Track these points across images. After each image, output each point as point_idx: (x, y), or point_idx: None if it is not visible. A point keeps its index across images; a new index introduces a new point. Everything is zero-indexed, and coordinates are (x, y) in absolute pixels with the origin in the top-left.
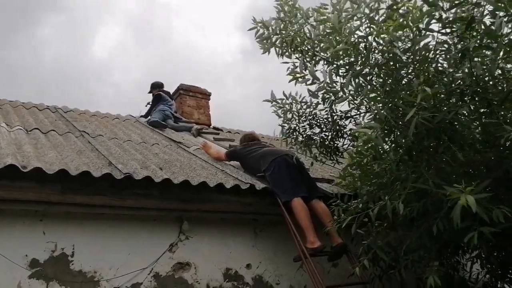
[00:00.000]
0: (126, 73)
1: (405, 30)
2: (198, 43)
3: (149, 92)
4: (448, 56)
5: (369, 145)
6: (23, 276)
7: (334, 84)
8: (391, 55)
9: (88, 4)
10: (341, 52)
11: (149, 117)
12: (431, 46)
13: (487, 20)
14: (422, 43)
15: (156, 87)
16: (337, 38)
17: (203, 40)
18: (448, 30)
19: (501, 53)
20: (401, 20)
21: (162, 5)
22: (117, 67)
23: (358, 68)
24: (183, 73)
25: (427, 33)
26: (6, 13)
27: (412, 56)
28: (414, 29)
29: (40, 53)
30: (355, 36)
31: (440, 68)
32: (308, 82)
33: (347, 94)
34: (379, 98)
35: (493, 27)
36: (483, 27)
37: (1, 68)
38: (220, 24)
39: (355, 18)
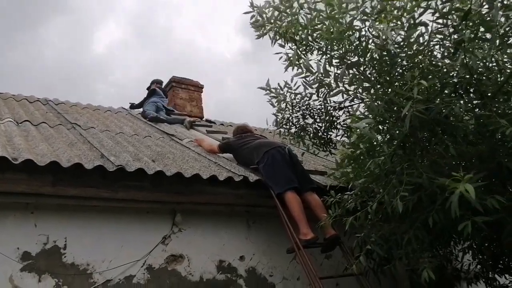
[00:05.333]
0: (128, 72)
1: (398, 22)
2: (199, 42)
3: (148, 87)
4: (442, 48)
5: (364, 140)
6: (14, 269)
7: (328, 74)
8: (385, 49)
9: (90, 4)
10: (335, 42)
11: (144, 110)
12: (425, 38)
13: (484, 9)
14: (415, 35)
15: (154, 82)
16: (333, 24)
17: (204, 40)
18: (442, 21)
19: (496, 44)
20: (395, 12)
21: (163, 5)
22: (118, 66)
23: (352, 60)
24: (183, 72)
25: (421, 26)
26: (12, 15)
27: (405, 49)
28: (407, 21)
29: (44, 54)
30: (352, 26)
31: (433, 60)
32: (302, 75)
33: (341, 86)
34: (372, 90)
35: (489, 17)
36: (479, 18)
37: (8, 69)
38: (221, 25)
39: (349, 6)
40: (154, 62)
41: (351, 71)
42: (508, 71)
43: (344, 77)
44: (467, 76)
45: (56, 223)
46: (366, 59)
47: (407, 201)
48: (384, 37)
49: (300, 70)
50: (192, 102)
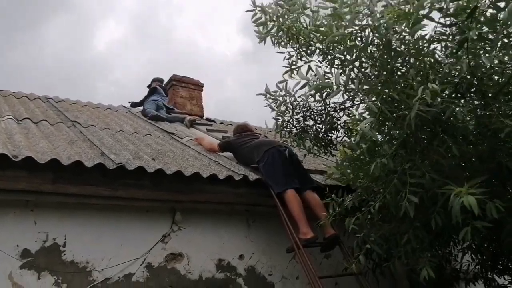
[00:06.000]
0: (128, 71)
1: (402, 19)
2: (200, 42)
3: (148, 85)
4: (443, 48)
5: (367, 138)
6: (14, 267)
7: (328, 76)
8: (387, 44)
9: (91, 3)
10: (336, 40)
11: (144, 109)
12: (428, 36)
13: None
14: (419, 33)
15: (155, 80)
16: (337, 24)
17: (205, 40)
18: (447, 20)
19: (498, 44)
20: (400, 8)
21: (163, 4)
22: (118, 65)
23: (353, 57)
24: (184, 71)
25: (426, 23)
26: (12, 15)
27: (408, 47)
28: (412, 18)
29: (45, 53)
30: (354, 26)
31: (436, 60)
32: (300, 85)
33: (340, 87)
34: (373, 90)
35: (493, 17)
36: (483, 19)
37: (8, 68)
38: (222, 25)
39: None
40: (154, 61)
41: (351, 73)
42: (510, 72)
43: (341, 78)
44: (469, 77)
45: (56, 221)
46: (367, 55)
47: (410, 202)
48: (386, 30)
49: (298, 79)
50: (192, 100)
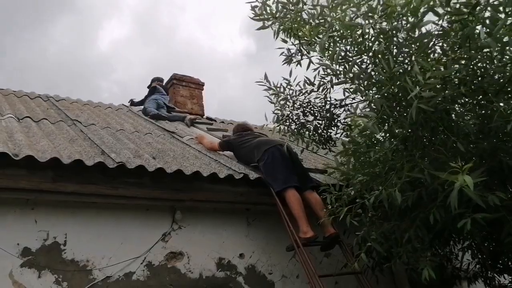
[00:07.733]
0: (130, 70)
1: (411, 13)
2: (203, 42)
3: (148, 86)
4: (445, 45)
5: (365, 133)
6: (14, 265)
7: (336, 66)
8: (389, 43)
9: (95, 2)
10: (337, 38)
11: (145, 107)
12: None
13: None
14: (422, 29)
15: (155, 80)
16: (336, 19)
17: (208, 40)
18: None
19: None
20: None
21: (167, 3)
22: (121, 64)
23: (355, 51)
24: (186, 70)
25: (429, 19)
26: (17, 14)
27: (410, 42)
28: (415, 14)
29: (49, 51)
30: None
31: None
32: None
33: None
34: (377, 84)
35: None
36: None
37: (12, 67)
38: (226, 25)
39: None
40: (157, 60)
41: (354, 69)
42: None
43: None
44: (468, 77)
45: (56, 220)
46: (369, 55)
47: (407, 196)
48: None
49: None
50: (192, 99)
